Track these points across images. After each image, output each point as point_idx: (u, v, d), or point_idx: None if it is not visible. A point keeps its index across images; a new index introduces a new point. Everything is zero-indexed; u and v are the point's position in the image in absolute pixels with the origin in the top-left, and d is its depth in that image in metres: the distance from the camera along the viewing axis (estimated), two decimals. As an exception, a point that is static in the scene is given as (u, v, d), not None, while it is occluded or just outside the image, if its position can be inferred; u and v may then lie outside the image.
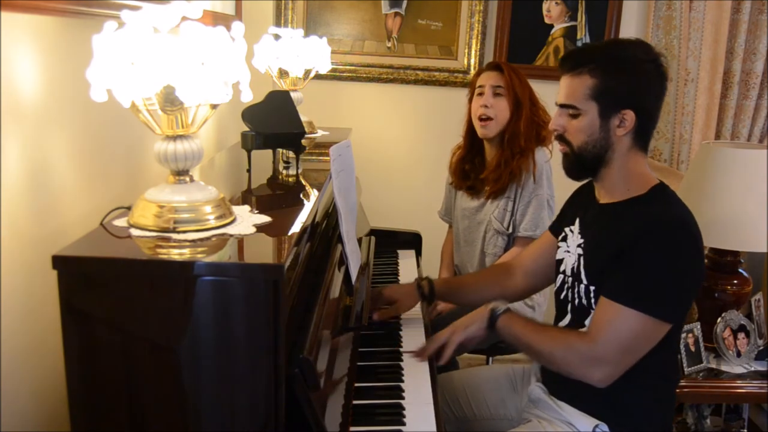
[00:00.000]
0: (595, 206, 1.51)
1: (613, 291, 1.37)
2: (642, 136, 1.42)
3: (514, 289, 1.75)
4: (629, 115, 1.38)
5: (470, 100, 2.15)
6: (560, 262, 1.56)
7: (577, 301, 1.48)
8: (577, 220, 1.55)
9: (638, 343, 1.36)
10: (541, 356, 1.47)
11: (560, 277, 1.55)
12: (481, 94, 2.10)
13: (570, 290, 1.51)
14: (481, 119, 2.09)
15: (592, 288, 1.44)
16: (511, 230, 2.12)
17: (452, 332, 1.52)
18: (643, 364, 1.40)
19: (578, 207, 1.59)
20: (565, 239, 1.57)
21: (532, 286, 1.75)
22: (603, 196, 1.49)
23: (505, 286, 1.75)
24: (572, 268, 1.51)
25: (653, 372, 1.44)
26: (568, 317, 1.52)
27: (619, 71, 1.38)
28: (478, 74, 2.17)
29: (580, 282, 1.48)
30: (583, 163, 1.44)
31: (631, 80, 1.39)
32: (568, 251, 1.54)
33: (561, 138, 1.46)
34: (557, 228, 1.64)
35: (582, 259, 1.48)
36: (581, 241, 1.51)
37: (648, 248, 1.34)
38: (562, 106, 1.44)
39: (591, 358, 1.37)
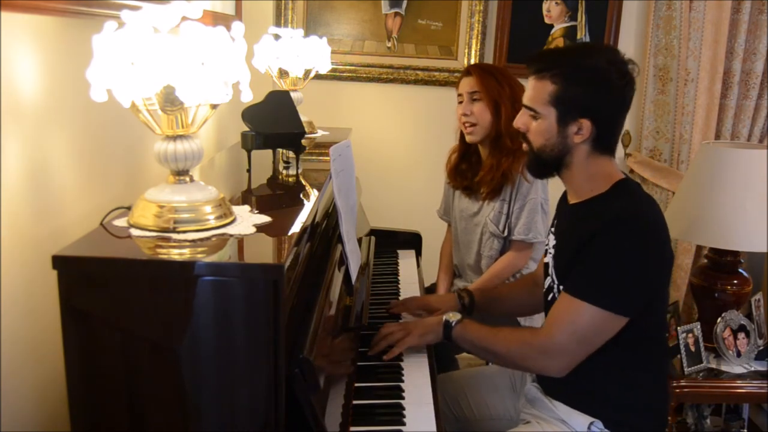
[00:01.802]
0: (567, 207, 1.54)
1: (570, 285, 1.40)
2: (603, 142, 1.43)
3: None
4: (586, 124, 1.39)
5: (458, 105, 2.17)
6: (547, 265, 1.58)
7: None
8: (555, 222, 1.59)
9: (593, 336, 1.38)
10: (500, 357, 1.50)
11: (548, 279, 1.57)
12: (461, 102, 2.12)
13: (552, 291, 1.53)
14: (465, 126, 2.12)
15: (561, 287, 1.46)
16: (506, 233, 2.13)
17: (406, 334, 1.54)
18: (633, 361, 1.41)
19: (558, 210, 1.63)
20: (548, 242, 1.59)
21: None
22: (571, 197, 1.52)
23: (538, 295, 1.75)
24: (551, 269, 1.53)
25: (644, 369, 1.45)
26: None
27: (579, 80, 1.39)
28: (458, 81, 2.18)
29: (554, 282, 1.50)
30: (542, 163, 1.47)
31: (590, 90, 1.39)
32: (550, 253, 1.56)
33: (524, 137, 1.48)
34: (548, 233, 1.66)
35: (553, 259, 1.51)
36: (554, 242, 1.54)
37: (603, 243, 1.36)
38: (525, 106, 1.46)
39: (546, 350, 1.40)
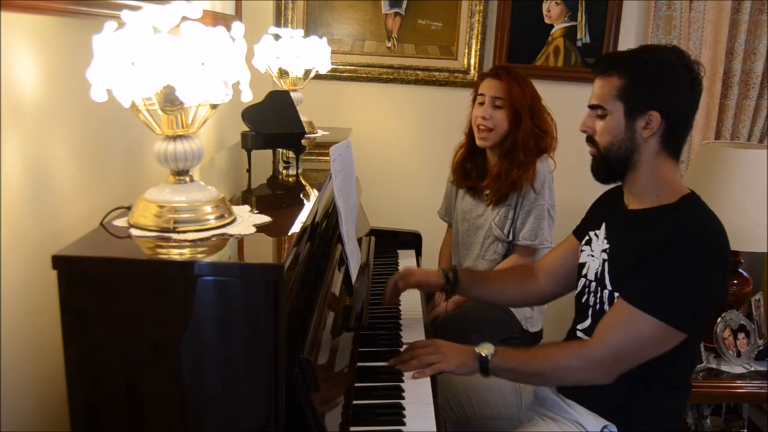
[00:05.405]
0: (623, 212, 1.49)
1: (631, 294, 1.36)
2: (671, 141, 1.41)
3: (537, 292, 1.73)
4: (655, 117, 1.37)
5: (473, 103, 2.15)
6: (582, 265, 1.55)
7: (598, 306, 1.47)
8: (603, 225, 1.53)
9: (646, 347, 1.35)
10: (544, 377, 1.45)
11: (582, 280, 1.54)
12: (481, 103, 2.09)
13: (592, 295, 1.50)
14: (479, 129, 2.08)
15: (616, 294, 1.43)
16: (511, 238, 2.12)
17: (441, 360, 1.46)
18: (659, 373, 1.39)
19: (605, 211, 1.57)
20: (589, 243, 1.55)
21: (555, 290, 1.71)
22: (632, 202, 1.48)
23: (529, 288, 1.73)
24: (596, 273, 1.50)
25: (668, 381, 1.43)
26: (588, 321, 1.51)
27: (647, 72, 1.38)
28: (481, 78, 2.15)
29: (604, 287, 1.46)
30: (610, 165, 1.44)
31: (658, 82, 1.38)
32: (592, 255, 1.52)
33: (590, 139, 1.46)
34: (581, 231, 1.62)
35: (607, 264, 1.47)
36: (607, 246, 1.49)
37: (675, 256, 1.33)
38: (591, 107, 1.44)
39: (596, 360, 1.36)
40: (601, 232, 1.53)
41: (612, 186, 1.57)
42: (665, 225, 1.37)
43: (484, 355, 1.43)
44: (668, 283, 1.33)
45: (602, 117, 1.42)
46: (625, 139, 1.40)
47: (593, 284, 1.50)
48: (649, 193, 1.44)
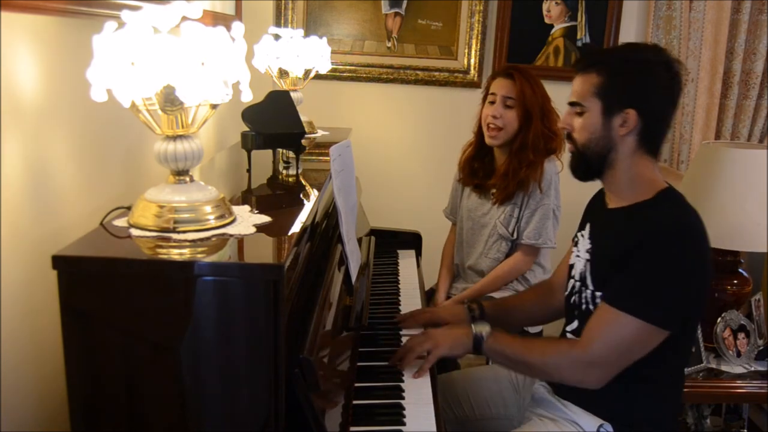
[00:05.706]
0: (604, 211, 1.50)
1: (612, 296, 1.37)
2: (648, 139, 1.40)
3: (559, 306, 1.72)
4: (631, 115, 1.37)
5: (483, 101, 2.15)
6: (572, 267, 1.55)
7: (584, 306, 1.47)
8: (588, 225, 1.54)
9: (633, 348, 1.35)
10: (534, 369, 1.46)
11: (570, 281, 1.55)
12: (492, 102, 2.09)
13: (578, 295, 1.50)
14: (489, 128, 2.09)
15: (598, 294, 1.43)
16: (515, 236, 2.12)
17: (434, 346, 1.47)
18: (651, 370, 1.39)
19: (590, 212, 1.59)
20: (577, 244, 1.56)
21: None
22: (611, 201, 1.49)
23: (550, 304, 1.74)
24: (580, 273, 1.50)
25: (661, 378, 1.43)
26: (576, 323, 1.51)
27: (625, 71, 1.38)
28: (492, 77, 2.16)
29: (587, 287, 1.47)
30: (587, 162, 1.44)
31: (636, 80, 1.38)
32: (578, 256, 1.53)
33: (569, 136, 1.46)
34: (574, 235, 1.63)
35: (589, 264, 1.48)
36: (589, 246, 1.50)
37: (650, 254, 1.33)
38: (570, 104, 1.45)
39: (584, 362, 1.37)
40: (586, 232, 1.54)
41: (602, 187, 1.57)
42: (642, 222, 1.38)
43: (479, 333, 1.45)
44: (646, 282, 1.34)
45: (580, 114, 1.42)
46: (601, 136, 1.40)
47: (578, 284, 1.51)
48: (627, 191, 1.44)
